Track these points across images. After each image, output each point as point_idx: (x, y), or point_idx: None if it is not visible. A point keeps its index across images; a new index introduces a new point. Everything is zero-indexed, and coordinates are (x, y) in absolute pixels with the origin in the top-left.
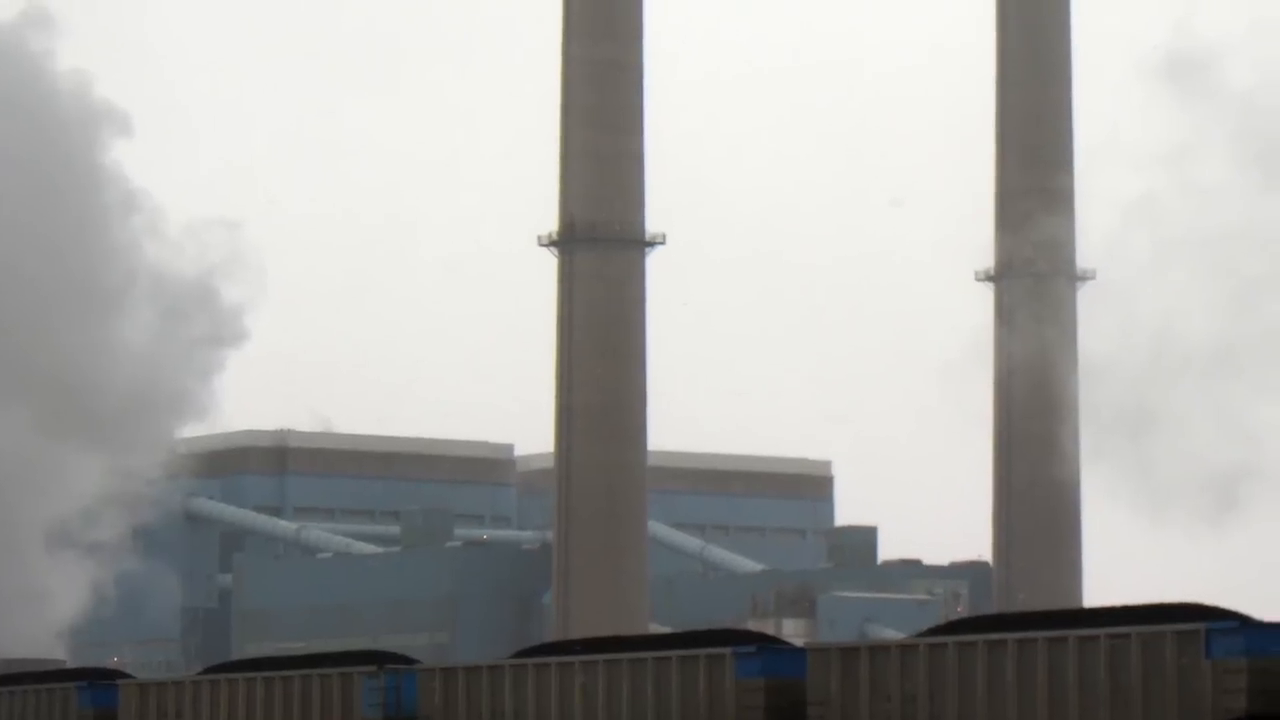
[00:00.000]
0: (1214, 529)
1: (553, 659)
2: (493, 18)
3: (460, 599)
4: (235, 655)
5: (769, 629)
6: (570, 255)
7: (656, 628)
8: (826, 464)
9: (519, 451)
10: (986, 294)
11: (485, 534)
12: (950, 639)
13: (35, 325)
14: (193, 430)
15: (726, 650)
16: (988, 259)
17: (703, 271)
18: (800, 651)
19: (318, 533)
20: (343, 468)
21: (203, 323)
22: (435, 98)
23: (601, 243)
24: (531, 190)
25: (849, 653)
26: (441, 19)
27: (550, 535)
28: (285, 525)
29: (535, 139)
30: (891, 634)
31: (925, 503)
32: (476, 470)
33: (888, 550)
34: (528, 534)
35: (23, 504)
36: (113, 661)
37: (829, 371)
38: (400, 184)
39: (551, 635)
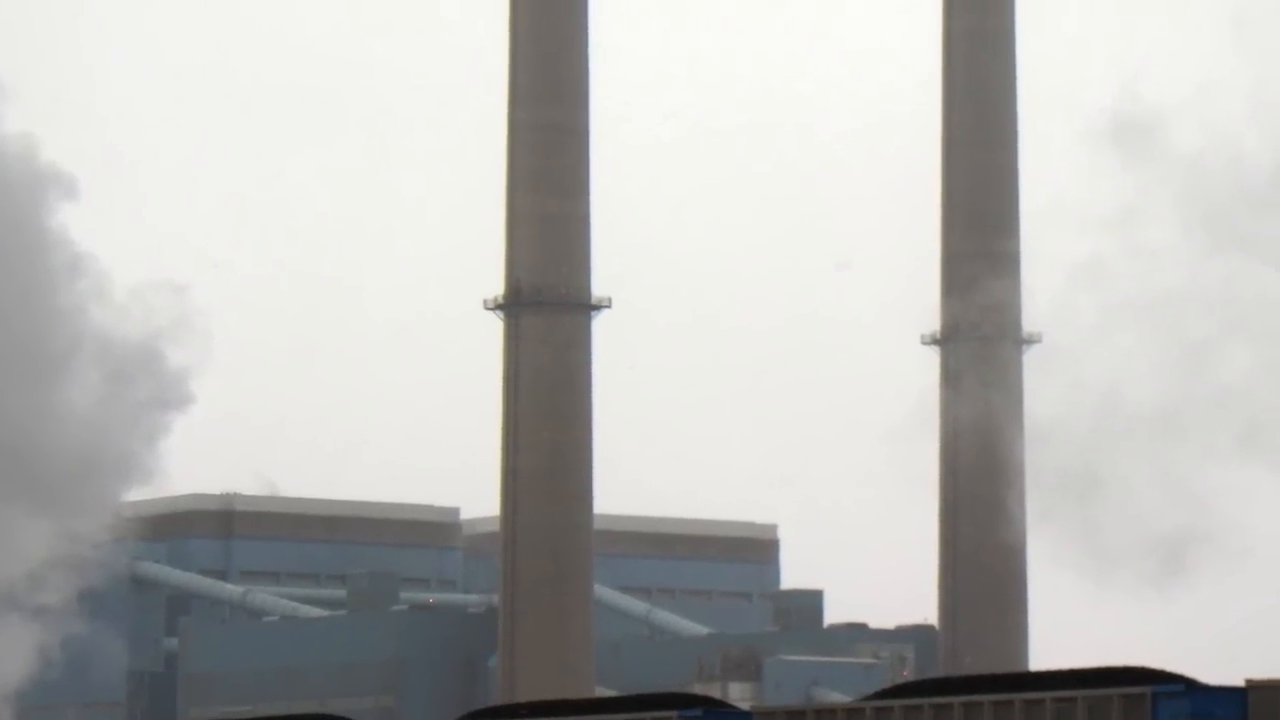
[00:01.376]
0: (1160, 593)
1: None
2: (438, 83)
3: (406, 662)
4: (181, 719)
5: (715, 692)
6: (516, 318)
7: (602, 691)
8: (772, 527)
9: (465, 515)
10: (932, 357)
11: (431, 597)
12: (896, 702)
13: None
14: (138, 494)
15: (673, 714)
16: (933, 322)
17: (648, 335)
18: (747, 715)
19: (264, 596)
20: (288, 531)
21: (148, 386)
22: (381, 161)
23: (547, 306)
24: (477, 254)
25: (795, 716)
26: (387, 83)
27: (496, 598)
28: (231, 589)
29: (481, 203)
30: (838, 697)
31: (871, 566)
32: (422, 534)
33: (834, 614)
34: (474, 597)
35: None
36: None
37: (774, 435)
38: (346, 248)
39: (497, 698)
